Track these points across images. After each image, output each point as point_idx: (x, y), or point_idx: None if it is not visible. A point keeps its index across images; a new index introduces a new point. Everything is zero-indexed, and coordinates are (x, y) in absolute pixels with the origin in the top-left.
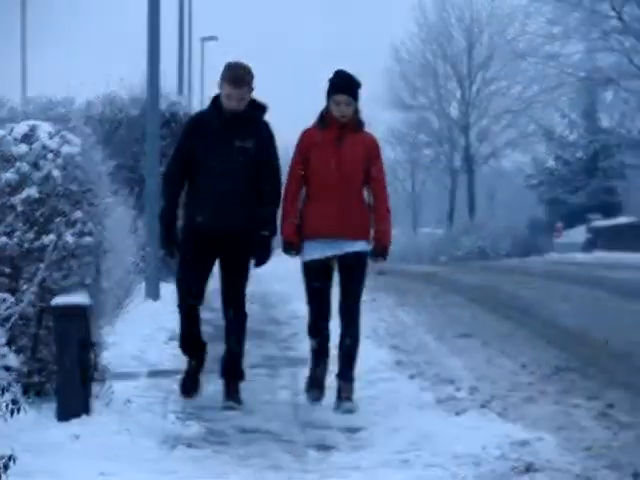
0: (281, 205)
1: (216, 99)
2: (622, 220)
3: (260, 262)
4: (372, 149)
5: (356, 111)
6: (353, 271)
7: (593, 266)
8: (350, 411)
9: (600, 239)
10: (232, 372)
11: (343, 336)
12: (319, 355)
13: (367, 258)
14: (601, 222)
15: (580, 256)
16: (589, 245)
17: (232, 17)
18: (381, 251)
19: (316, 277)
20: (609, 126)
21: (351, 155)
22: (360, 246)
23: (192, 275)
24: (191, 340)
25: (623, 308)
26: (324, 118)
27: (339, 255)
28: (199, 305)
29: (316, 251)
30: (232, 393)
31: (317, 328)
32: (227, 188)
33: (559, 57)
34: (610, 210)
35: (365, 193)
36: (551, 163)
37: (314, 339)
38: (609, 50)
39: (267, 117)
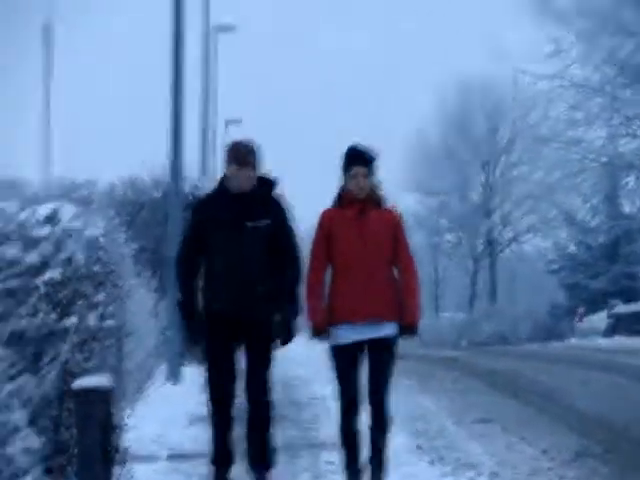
0: (306, 290)
1: (223, 180)
2: None
3: (285, 342)
4: (396, 225)
5: (375, 185)
6: (383, 355)
7: (613, 352)
8: None
9: (621, 324)
10: (261, 460)
11: (375, 426)
12: (351, 460)
13: (397, 340)
14: (622, 307)
15: (602, 341)
16: (610, 331)
17: (257, 99)
18: (410, 327)
19: (345, 361)
20: (631, 212)
21: (375, 231)
22: (390, 329)
23: (220, 372)
24: (223, 448)
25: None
26: (342, 197)
27: (368, 339)
28: (231, 398)
29: (345, 336)
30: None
31: (348, 423)
32: (242, 273)
33: (581, 142)
34: (631, 295)
35: (394, 270)
36: (572, 248)
37: (345, 440)
38: (631, 136)
39: (282, 191)
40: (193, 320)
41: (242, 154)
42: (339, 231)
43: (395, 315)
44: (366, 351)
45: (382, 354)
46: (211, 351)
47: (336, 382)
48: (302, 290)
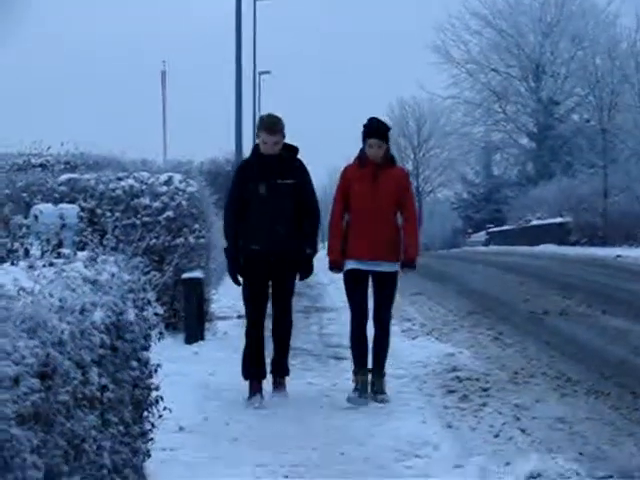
0: (329, 230)
1: (256, 148)
2: (505, 227)
3: (305, 276)
4: (402, 181)
5: (387, 150)
6: (384, 288)
7: (489, 254)
8: (384, 401)
9: (493, 238)
10: (279, 369)
11: (377, 337)
12: (360, 360)
13: (397, 276)
14: (494, 229)
15: (482, 248)
16: (487, 242)
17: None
18: (409, 262)
19: (355, 282)
20: (498, 174)
21: (385, 189)
22: (390, 267)
23: (254, 297)
24: (257, 363)
25: (504, 277)
26: (362, 158)
27: (373, 272)
28: (263, 320)
29: (355, 265)
30: (279, 387)
31: (357, 329)
32: (275, 217)
33: (469, 134)
34: (499, 222)
35: (398, 218)
36: (465, 195)
37: (354, 343)
38: (498, 131)
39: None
40: (237, 262)
41: (271, 123)
42: (357, 185)
43: (396, 256)
44: (372, 282)
45: (384, 285)
46: (248, 282)
47: (347, 299)
48: (319, 233)
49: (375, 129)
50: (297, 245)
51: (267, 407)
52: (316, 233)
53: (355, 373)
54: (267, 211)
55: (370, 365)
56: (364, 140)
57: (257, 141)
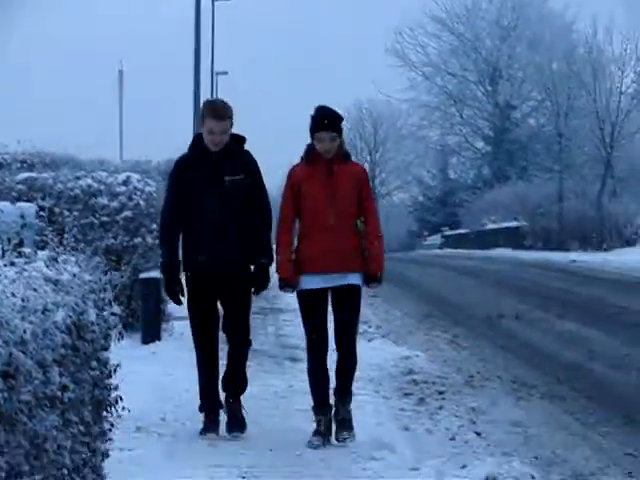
0: (275, 241)
1: (198, 139)
2: (461, 231)
3: (260, 289)
4: (362, 178)
5: (341, 143)
6: (348, 303)
7: (444, 257)
8: (349, 439)
9: (448, 241)
10: (233, 386)
11: (341, 364)
12: (321, 402)
13: (360, 289)
14: (449, 232)
15: (437, 251)
16: (442, 245)
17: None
18: (375, 277)
19: (312, 303)
20: (453, 177)
21: (343, 187)
22: (354, 279)
23: (203, 320)
24: (212, 395)
25: (460, 280)
26: (310, 154)
27: (333, 287)
28: (216, 347)
29: (311, 283)
30: (234, 413)
31: (317, 362)
32: (224, 222)
33: (425, 138)
34: (454, 225)
35: (357, 222)
36: (420, 198)
37: (314, 380)
38: (454, 134)
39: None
40: (177, 278)
41: (220, 108)
42: (307, 186)
43: (359, 266)
44: (331, 300)
45: (347, 301)
46: (194, 302)
47: (303, 324)
48: (272, 238)
49: (325, 120)
50: (249, 254)
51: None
52: (270, 238)
53: (316, 413)
54: (214, 215)
55: (332, 399)
56: (312, 134)
57: (200, 131)
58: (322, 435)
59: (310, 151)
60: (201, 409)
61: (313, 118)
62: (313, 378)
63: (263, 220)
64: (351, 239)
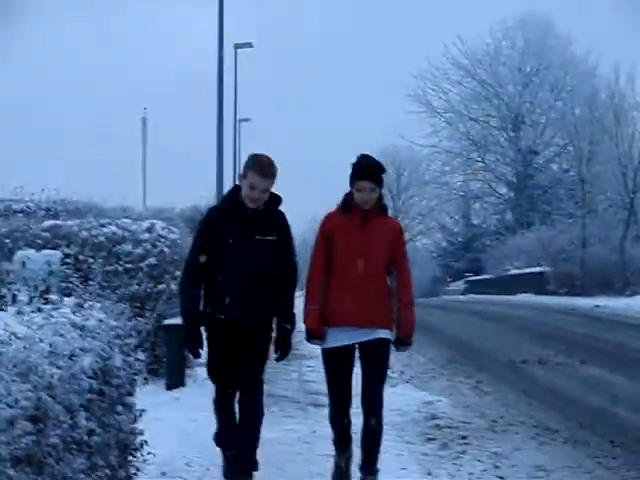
0: (305, 292)
1: (236, 191)
2: (484, 276)
3: (282, 356)
4: (397, 234)
5: (380, 197)
6: (376, 357)
7: (468, 303)
8: None
9: (471, 288)
10: (247, 462)
11: (367, 423)
12: (342, 445)
13: (390, 345)
14: (472, 278)
15: (461, 297)
16: (465, 291)
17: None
18: (404, 339)
19: (337, 363)
20: (477, 223)
21: (377, 241)
22: (383, 333)
23: (223, 377)
24: (229, 429)
25: (483, 326)
26: (347, 203)
27: (361, 342)
28: (234, 395)
29: (339, 339)
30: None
31: (338, 415)
32: (249, 284)
33: (448, 184)
34: (477, 271)
35: (388, 279)
36: (444, 244)
37: (335, 430)
38: (477, 180)
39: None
40: (198, 331)
41: (266, 165)
42: (341, 237)
43: (388, 322)
44: (360, 355)
45: (375, 354)
46: (214, 354)
47: (327, 382)
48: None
49: (367, 169)
50: (272, 315)
51: None
52: (293, 301)
53: (337, 455)
54: (240, 274)
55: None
56: (352, 182)
57: (240, 183)
58: (341, 477)
59: (347, 200)
60: (219, 444)
61: (354, 166)
62: (337, 428)
63: (289, 283)
64: (382, 295)
